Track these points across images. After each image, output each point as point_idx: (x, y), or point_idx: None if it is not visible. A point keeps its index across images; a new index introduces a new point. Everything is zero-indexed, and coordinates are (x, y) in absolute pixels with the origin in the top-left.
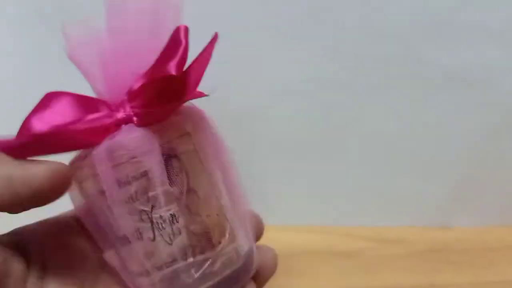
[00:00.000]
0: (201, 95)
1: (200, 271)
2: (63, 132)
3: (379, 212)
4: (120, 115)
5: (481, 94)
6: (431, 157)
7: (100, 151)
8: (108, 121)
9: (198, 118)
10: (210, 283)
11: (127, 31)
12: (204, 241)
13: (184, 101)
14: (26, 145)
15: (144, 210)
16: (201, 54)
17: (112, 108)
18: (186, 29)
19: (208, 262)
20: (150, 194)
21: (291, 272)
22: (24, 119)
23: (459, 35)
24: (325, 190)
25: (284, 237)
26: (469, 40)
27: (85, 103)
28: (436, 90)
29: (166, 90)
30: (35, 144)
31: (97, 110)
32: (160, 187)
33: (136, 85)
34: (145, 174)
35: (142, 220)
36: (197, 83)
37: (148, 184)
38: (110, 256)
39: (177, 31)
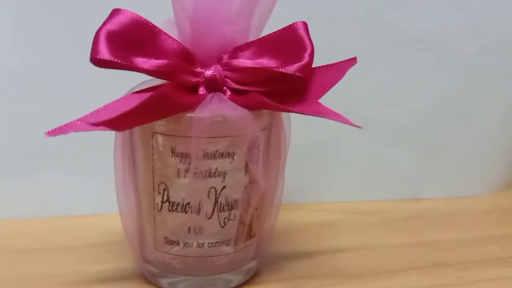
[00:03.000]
0: (344, 119)
1: (231, 260)
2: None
3: (345, 188)
4: (209, 75)
5: (442, 56)
6: (395, 123)
7: (203, 117)
8: (195, 78)
9: (277, 115)
10: (232, 270)
11: None
12: (246, 232)
13: (311, 112)
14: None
15: (215, 188)
16: (330, 68)
17: (199, 64)
18: (307, 27)
19: (243, 252)
20: (228, 175)
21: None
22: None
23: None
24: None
25: None
26: (428, 3)
27: (175, 48)
28: (399, 52)
29: (281, 87)
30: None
31: (186, 61)
32: (239, 172)
33: (234, 58)
34: (231, 155)
35: (208, 196)
36: (318, 95)
37: (229, 165)
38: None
39: (296, 27)
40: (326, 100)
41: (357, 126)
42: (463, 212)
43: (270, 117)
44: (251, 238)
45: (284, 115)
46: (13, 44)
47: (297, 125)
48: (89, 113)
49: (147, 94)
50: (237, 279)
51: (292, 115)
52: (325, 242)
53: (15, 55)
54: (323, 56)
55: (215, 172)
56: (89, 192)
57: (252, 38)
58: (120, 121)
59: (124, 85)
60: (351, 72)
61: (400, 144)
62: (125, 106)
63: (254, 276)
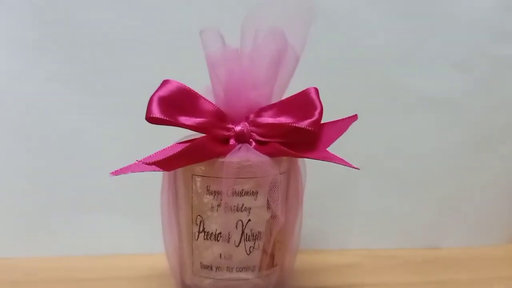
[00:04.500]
0: (345, 163)
1: (255, 285)
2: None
3: (366, 235)
4: (239, 130)
5: (450, 115)
6: (412, 177)
7: (232, 160)
8: (227, 132)
9: (294, 162)
10: None
11: (256, 63)
12: (270, 260)
13: (319, 157)
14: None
15: (242, 221)
16: (336, 124)
17: (230, 121)
18: (318, 92)
19: (266, 279)
20: (252, 210)
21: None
22: (170, 117)
23: (427, 63)
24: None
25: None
26: (436, 68)
27: (211, 109)
28: (411, 112)
29: (296, 139)
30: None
31: (220, 119)
32: (262, 208)
33: (259, 117)
34: (255, 193)
35: (236, 227)
36: (326, 145)
37: (253, 202)
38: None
39: (309, 92)
40: (348, 154)
41: (356, 168)
42: (477, 258)
43: (289, 164)
44: (273, 266)
45: (300, 163)
46: (69, 109)
47: (317, 178)
48: (144, 158)
49: (188, 143)
50: None
51: (308, 165)
52: (343, 279)
53: (78, 118)
54: (340, 115)
55: (241, 207)
56: (143, 234)
57: (275, 100)
58: (167, 163)
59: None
60: (370, 130)
61: (417, 196)
62: (171, 152)
63: None
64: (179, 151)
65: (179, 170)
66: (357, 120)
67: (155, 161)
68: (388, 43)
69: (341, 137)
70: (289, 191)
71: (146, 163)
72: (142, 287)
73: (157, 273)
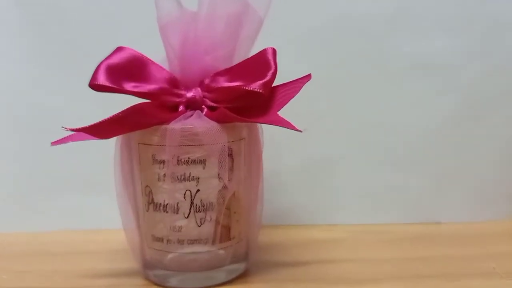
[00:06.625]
0: (290, 126)
1: (211, 258)
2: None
3: (358, 210)
4: (190, 97)
5: (443, 80)
6: (405, 149)
7: (175, 127)
8: (177, 99)
9: (253, 129)
10: (214, 270)
11: (213, 25)
12: (225, 233)
13: (265, 121)
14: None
15: (190, 191)
16: (288, 85)
17: (184, 87)
18: (275, 52)
19: (222, 252)
20: (201, 179)
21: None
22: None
23: (416, 27)
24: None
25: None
26: (425, 31)
27: (164, 75)
28: (402, 78)
29: (248, 103)
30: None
31: (172, 85)
32: (212, 177)
33: (214, 82)
34: (203, 161)
35: (184, 198)
36: (278, 108)
37: (202, 171)
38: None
39: (265, 52)
40: (337, 125)
41: (299, 131)
42: (472, 234)
43: (248, 130)
44: (229, 240)
45: (260, 129)
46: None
47: (304, 153)
48: None
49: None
50: (220, 276)
51: (295, 140)
52: (319, 255)
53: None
54: (329, 85)
55: (189, 177)
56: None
57: (236, 62)
58: (99, 128)
59: None
60: (361, 100)
61: (412, 168)
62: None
63: (241, 276)
64: (111, 116)
65: (132, 140)
66: (348, 89)
67: (83, 127)
68: (377, 8)
69: (328, 106)
70: (250, 159)
71: (74, 130)
72: (106, 261)
73: (125, 247)
